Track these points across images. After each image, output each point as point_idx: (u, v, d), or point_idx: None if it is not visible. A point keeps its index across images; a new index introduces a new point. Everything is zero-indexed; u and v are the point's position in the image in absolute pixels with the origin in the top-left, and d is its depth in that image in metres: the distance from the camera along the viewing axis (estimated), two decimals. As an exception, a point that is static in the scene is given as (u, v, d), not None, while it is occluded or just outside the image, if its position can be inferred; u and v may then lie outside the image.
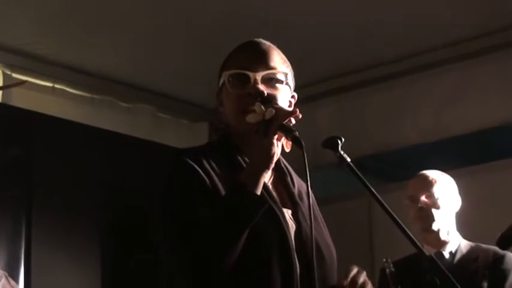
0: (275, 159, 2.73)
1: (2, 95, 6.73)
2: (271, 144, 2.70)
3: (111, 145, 7.19)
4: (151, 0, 6.04)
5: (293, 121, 2.71)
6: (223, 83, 3.00)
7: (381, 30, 6.47)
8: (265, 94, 2.86)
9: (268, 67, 2.95)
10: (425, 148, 6.83)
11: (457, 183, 4.86)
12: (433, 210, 4.72)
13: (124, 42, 6.68)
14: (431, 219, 4.71)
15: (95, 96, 7.37)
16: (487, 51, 6.66)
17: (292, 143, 2.71)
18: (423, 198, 4.74)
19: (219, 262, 2.69)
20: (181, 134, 7.57)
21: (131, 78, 7.36)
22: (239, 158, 2.95)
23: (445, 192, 4.78)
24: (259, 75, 2.91)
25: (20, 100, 6.78)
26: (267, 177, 2.87)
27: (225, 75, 2.97)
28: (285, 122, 2.70)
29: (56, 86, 7.12)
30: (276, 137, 2.71)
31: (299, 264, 2.82)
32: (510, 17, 6.34)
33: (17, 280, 6.44)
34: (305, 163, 2.67)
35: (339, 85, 7.07)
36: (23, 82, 6.76)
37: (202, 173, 2.83)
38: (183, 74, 7.00)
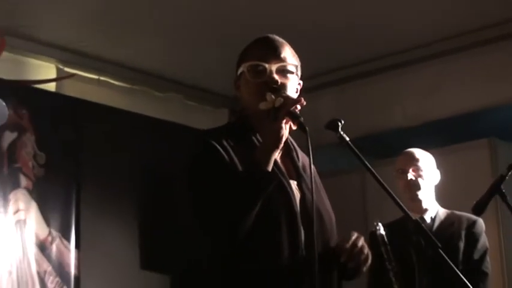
0: (283, 140, 2.73)
1: (56, 85, 6.74)
2: (280, 128, 2.71)
3: (147, 127, 7.23)
4: (182, 4, 6.01)
5: (299, 107, 2.71)
6: (242, 73, 2.99)
7: (372, 31, 6.46)
8: (279, 83, 2.87)
9: (281, 59, 2.94)
10: (410, 130, 6.82)
11: (436, 160, 4.85)
12: (419, 181, 4.72)
13: (158, 40, 6.67)
14: (418, 188, 4.71)
15: (133, 86, 7.39)
16: (463, 49, 6.65)
17: (298, 127, 2.70)
18: (411, 171, 4.74)
19: (236, 227, 2.69)
20: (205, 119, 7.57)
21: (163, 71, 7.36)
22: (253, 137, 2.94)
23: (428, 167, 4.78)
24: (274, 67, 2.91)
25: (70, 90, 6.81)
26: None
27: (244, 66, 2.97)
28: (291, 109, 2.70)
29: (101, 78, 7.14)
30: (284, 121, 2.71)
31: (303, 228, 2.82)
32: (481, 19, 6.31)
33: (68, 240, 6.50)
34: (308, 144, 2.68)
35: (338, 77, 7.07)
36: (73, 75, 6.79)
37: (222, 150, 2.82)
38: (207, 67, 7.01)
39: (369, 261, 2.89)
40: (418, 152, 4.84)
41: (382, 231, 4.44)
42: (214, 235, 2.76)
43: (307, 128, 2.67)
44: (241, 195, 2.71)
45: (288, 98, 2.76)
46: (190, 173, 2.89)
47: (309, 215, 2.82)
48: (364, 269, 2.89)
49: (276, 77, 2.89)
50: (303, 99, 2.73)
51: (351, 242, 2.80)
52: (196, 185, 2.83)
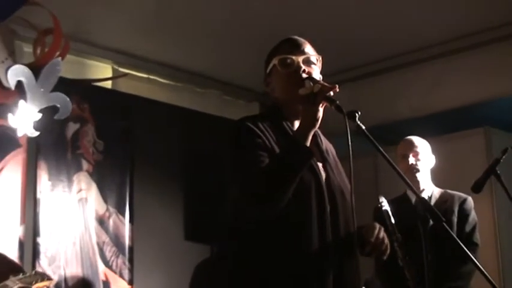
0: (319, 121, 2.74)
1: (112, 83, 6.78)
2: (318, 110, 2.72)
3: (189, 118, 7.25)
4: (219, 13, 6.04)
5: (332, 93, 2.73)
6: (273, 67, 3.00)
7: (381, 35, 6.48)
8: (306, 71, 2.90)
9: (305, 53, 2.97)
10: (415, 120, 6.82)
11: (438, 146, 4.87)
12: (418, 164, 4.74)
13: (199, 44, 6.68)
14: (417, 171, 4.73)
15: (177, 84, 7.38)
16: (460, 50, 6.66)
17: (335, 109, 2.69)
18: (411, 155, 4.76)
19: (279, 197, 2.69)
20: (239, 111, 7.55)
21: (204, 70, 7.36)
22: (284, 123, 2.95)
23: (425, 152, 4.80)
24: (300, 58, 2.94)
25: (124, 87, 6.85)
26: None
27: (275, 59, 2.97)
28: (328, 94, 2.72)
29: (150, 76, 7.15)
30: (321, 104, 2.73)
31: (329, 205, 2.83)
32: (477, 25, 6.32)
33: (123, 215, 6.55)
34: (346, 123, 2.67)
35: (353, 75, 7.07)
36: (126, 74, 6.81)
37: (258, 131, 2.84)
38: (240, 67, 7.01)
39: (388, 251, 2.88)
40: (416, 140, 4.86)
41: (387, 207, 4.46)
42: (257, 206, 2.74)
43: (343, 109, 2.68)
44: (285, 166, 2.71)
45: (325, 85, 2.76)
46: (232, 152, 2.88)
47: (333, 194, 2.86)
48: (385, 257, 2.88)
49: (303, 66, 2.92)
50: (337, 86, 2.73)
51: (375, 235, 2.81)
52: (240, 161, 2.82)
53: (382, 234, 2.85)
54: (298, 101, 2.84)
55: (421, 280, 4.50)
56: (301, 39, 3.06)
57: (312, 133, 2.75)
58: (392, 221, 4.39)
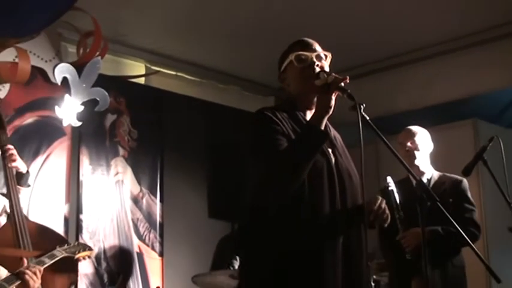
0: (332, 108, 2.77)
1: (144, 80, 6.79)
2: (331, 99, 2.76)
3: (213, 111, 7.26)
4: (240, 16, 6.05)
5: (342, 84, 2.76)
6: (289, 63, 3.02)
7: (382, 38, 6.49)
8: (319, 65, 2.94)
9: (316, 50, 3.00)
10: (413, 112, 6.80)
11: (432, 135, 4.85)
12: (415, 152, 4.72)
13: (221, 44, 6.68)
14: (414, 157, 4.72)
15: (202, 80, 7.37)
16: (451, 51, 6.67)
17: (347, 97, 2.74)
18: (409, 144, 4.75)
19: (296, 177, 2.72)
20: (256, 104, 7.50)
21: (225, 68, 7.35)
22: (298, 114, 2.98)
23: (423, 140, 4.77)
24: (313, 54, 2.98)
25: (155, 83, 6.87)
26: None
27: (291, 55, 3.00)
28: (340, 84, 2.76)
29: (178, 73, 7.14)
30: (334, 94, 2.77)
31: (338, 185, 2.86)
32: (467, 28, 6.32)
33: (155, 195, 6.60)
34: (358, 111, 2.72)
35: (357, 73, 7.03)
36: (157, 72, 6.83)
37: (276, 119, 2.87)
38: (258, 65, 6.97)
39: (389, 219, 2.92)
40: (415, 129, 4.83)
41: (393, 187, 4.46)
42: (278, 184, 2.75)
43: (355, 98, 2.72)
44: (304, 146, 2.75)
45: (337, 76, 2.79)
46: (255, 136, 2.91)
47: (341, 175, 2.90)
48: (385, 224, 2.92)
49: (316, 61, 2.95)
50: (348, 78, 2.77)
51: (377, 205, 2.84)
52: (261, 145, 2.85)
53: (384, 205, 2.88)
54: (312, 92, 2.89)
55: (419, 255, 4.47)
56: (311, 40, 3.08)
57: (326, 119, 2.78)
58: (397, 199, 4.38)
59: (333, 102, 2.77)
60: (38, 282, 3.84)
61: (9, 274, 3.80)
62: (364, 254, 2.94)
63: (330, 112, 2.78)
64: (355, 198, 2.93)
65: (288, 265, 2.74)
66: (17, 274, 3.79)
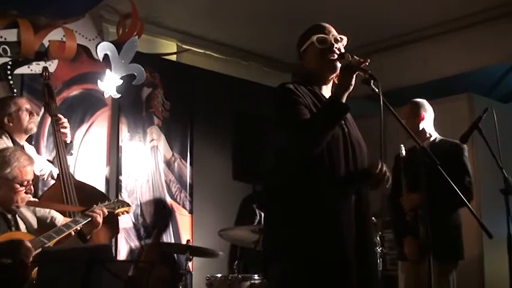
0: (353, 85, 2.78)
1: (176, 57, 6.78)
2: (352, 78, 2.76)
3: (237, 85, 7.23)
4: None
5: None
6: (310, 44, 2.99)
7: (386, 20, 6.47)
8: (338, 47, 2.95)
9: (334, 34, 3.00)
10: (415, 87, 6.77)
11: (432, 107, 4.82)
12: (420, 121, 4.68)
13: (244, 25, 6.68)
14: (419, 125, 4.64)
15: (227, 57, 7.34)
16: (448, 32, 6.65)
17: (368, 77, 2.76)
18: (414, 113, 4.69)
19: (320, 141, 2.74)
20: (275, 80, 7.47)
21: (248, 47, 7.31)
22: (315, 88, 2.98)
23: (426, 110, 4.73)
24: (332, 37, 2.97)
25: (186, 60, 6.87)
26: None
27: (313, 37, 2.97)
28: (362, 65, 2.78)
29: (206, 52, 7.11)
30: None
31: (351, 151, 2.89)
32: (463, 9, 6.30)
33: (185, 160, 6.61)
34: (379, 90, 2.76)
35: (364, 51, 6.98)
36: (187, 50, 6.82)
37: (298, 92, 2.87)
38: (277, 43, 6.94)
39: (389, 181, 2.93)
40: (418, 100, 4.78)
41: (404, 153, 4.45)
42: (305, 146, 2.76)
43: (376, 78, 2.75)
44: (329, 116, 2.76)
45: (359, 58, 2.80)
46: (280, 107, 2.89)
47: (353, 144, 2.92)
48: (387, 185, 2.93)
49: (335, 43, 2.95)
50: (368, 60, 2.78)
51: (378, 169, 2.85)
52: (287, 114, 2.83)
53: (385, 168, 2.88)
54: (330, 70, 2.93)
55: (417, 214, 4.45)
56: (328, 24, 3.07)
57: (346, 94, 2.78)
58: (404, 165, 4.38)
59: (353, 81, 2.77)
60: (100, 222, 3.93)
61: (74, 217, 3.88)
62: (370, 212, 2.97)
63: (351, 89, 2.78)
64: (363, 164, 2.95)
65: (310, 223, 2.75)
66: (83, 214, 3.87)
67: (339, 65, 2.91)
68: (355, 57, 2.81)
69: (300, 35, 3.12)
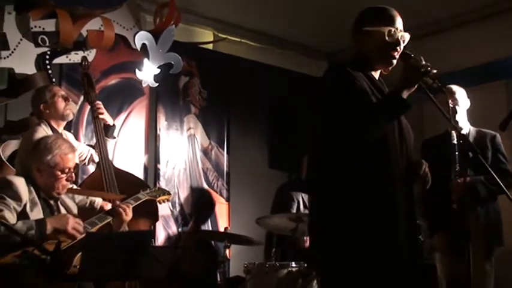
0: (415, 86, 2.79)
1: (213, 46, 6.80)
2: (420, 80, 2.78)
3: (272, 73, 7.20)
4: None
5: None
6: (378, 31, 2.91)
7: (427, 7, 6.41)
8: (401, 48, 2.93)
9: (401, 30, 2.95)
10: (454, 73, 6.69)
11: (469, 94, 4.78)
12: (457, 108, 4.66)
13: (279, 14, 6.67)
14: (456, 113, 4.64)
15: (262, 46, 7.32)
16: (489, 18, 6.57)
17: (432, 82, 2.79)
18: (450, 101, 4.68)
19: (378, 129, 2.76)
20: (310, 67, 7.50)
21: (283, 35, 7.29)
22: (369, 73, 2.96)
23: (462, 97, 4.70)
24: (399, 34, 2.92)
25: (222, 48, 6.86)
26: None
27: (385, 29, 2.90)
28: (432, 73, 2.78)
29: (242, 40, 7.12)
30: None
31: (404, 138, 2.93)
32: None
33: (222, 148, 6.67)
34: (445, 92, 2.90)
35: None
36: (224, 39, 6.82)
37: (354, 76, 2.85)
38: (313, 31, 6.94)
39: (430, 182, 2.96)
40: (454, 87, 4.76)
41: (455, 141, 4.38)
42: (366, 130, 2.74)
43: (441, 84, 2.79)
44: (390, 110, 2.77)
45: (430, 68, 2.78)
46: (338, 90, 2.82)
47: (404, 131, 2.94)
48: (427, 186, 2.96)
49: (401, 41, 2.91)
50: (436, 70, 2.78)
51: (423, 170, 2.90)
52: (347, 98, 2.78)
53: (427, 169, 2.93)
54: (385, 64, 2.95)
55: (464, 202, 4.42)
56: (396, 12, 3.00)
57: (409, 92, 2.77)
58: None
59: (417, 84, 2.78)
60: (130, 215, 3.94)
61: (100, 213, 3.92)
62: (416, 202, 2.96)
63: (413, 89, 2.78)
64: (411, 152, 2.97)
65: (365, 209, 2.74)
66: (107, 211, 3.91)
67: (394, 62, 2.91)
68: (425, 63, 2.78)
69: (366, 13, 3.02)
